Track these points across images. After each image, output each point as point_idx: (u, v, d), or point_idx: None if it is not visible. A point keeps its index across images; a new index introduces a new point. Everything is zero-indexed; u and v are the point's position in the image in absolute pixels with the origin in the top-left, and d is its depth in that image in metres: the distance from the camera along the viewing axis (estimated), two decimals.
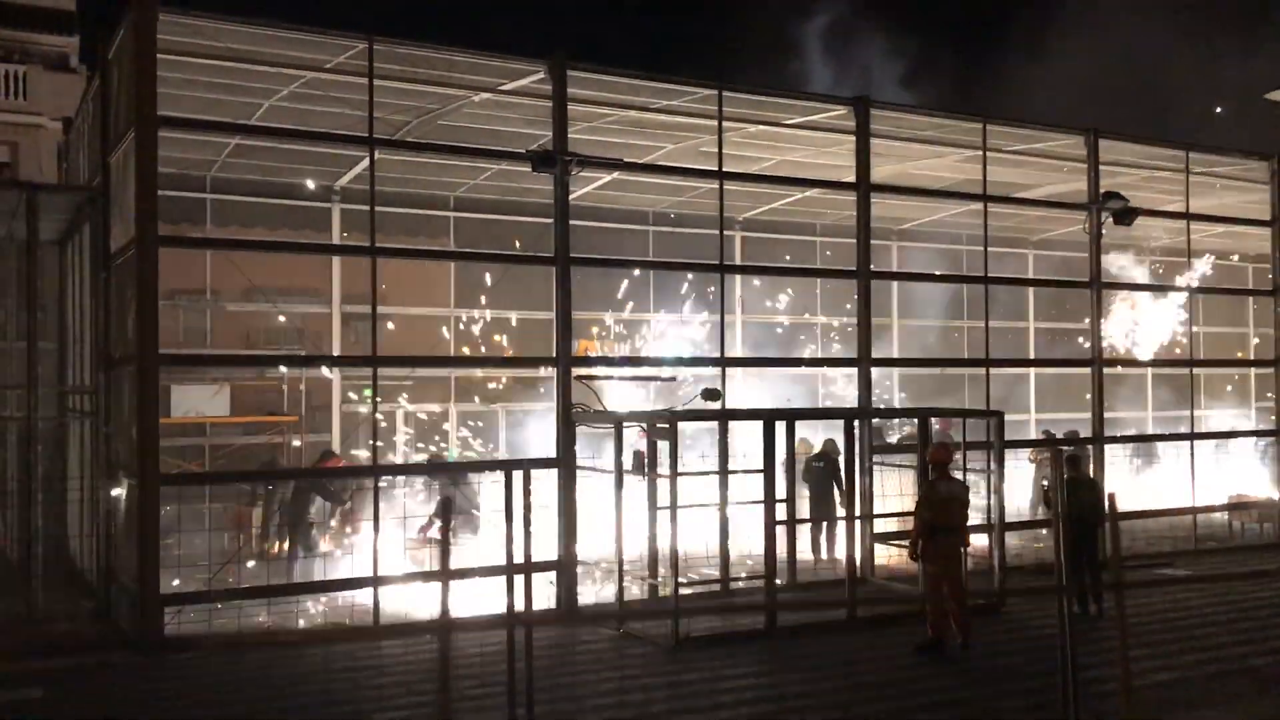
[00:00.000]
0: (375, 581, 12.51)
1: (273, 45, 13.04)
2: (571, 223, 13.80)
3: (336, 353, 18.75)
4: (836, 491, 15.78)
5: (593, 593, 13.64)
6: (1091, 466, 16.07)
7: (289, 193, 18.69)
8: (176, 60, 12.93)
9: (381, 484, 13.28)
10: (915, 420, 14.95)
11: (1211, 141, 18.67)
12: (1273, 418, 19.82)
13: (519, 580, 8.46)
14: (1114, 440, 17.34)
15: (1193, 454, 18.16)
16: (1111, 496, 8.04)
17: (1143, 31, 33.37)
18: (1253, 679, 10.51)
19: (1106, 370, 17.48)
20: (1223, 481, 19.37)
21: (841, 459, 15.80)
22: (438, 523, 14.31)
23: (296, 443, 17.81)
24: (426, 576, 13.45)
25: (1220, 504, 18.70)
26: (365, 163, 14.72)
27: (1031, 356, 22.49)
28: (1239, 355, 24.45)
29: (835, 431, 15.40)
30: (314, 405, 18.72)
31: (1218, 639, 12.05)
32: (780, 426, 12.78)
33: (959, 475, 12.64)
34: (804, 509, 15.56)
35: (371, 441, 13.54)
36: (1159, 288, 20.86)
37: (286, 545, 14.70)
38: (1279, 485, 18.75)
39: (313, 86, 14.32)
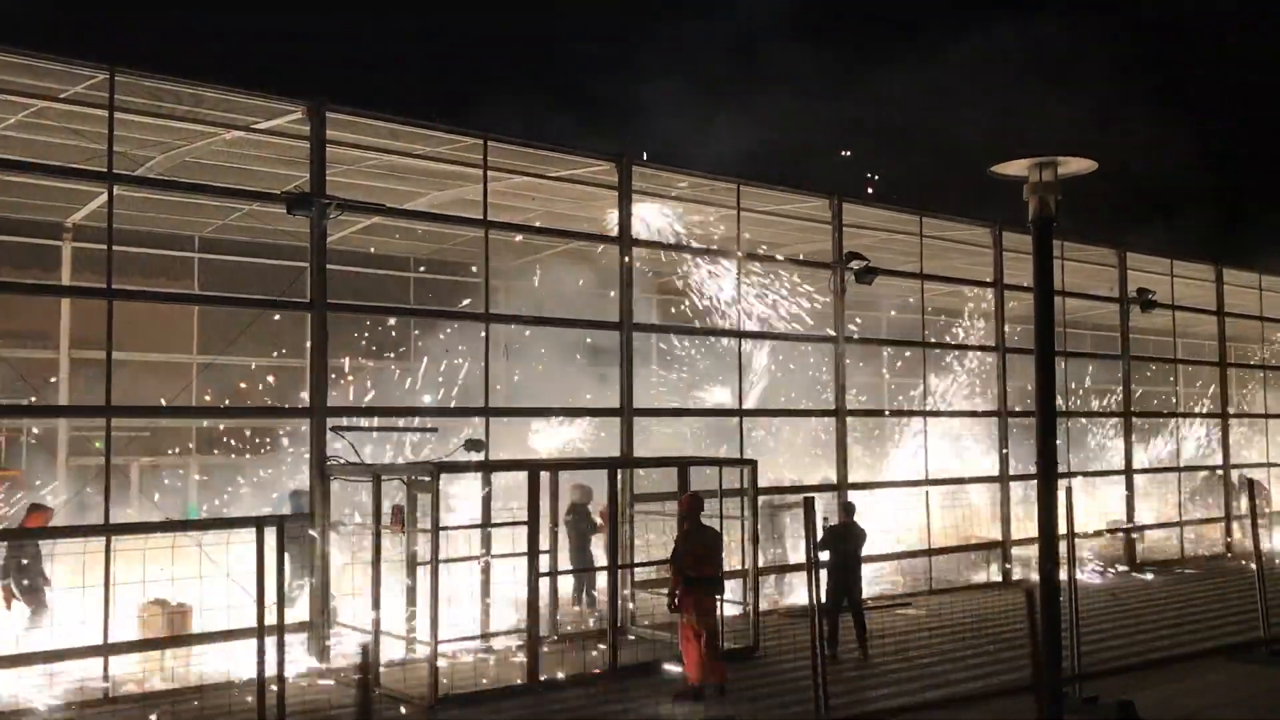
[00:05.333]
0: (106, 650, 11.58)
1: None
2: (328, 267, 13.37)
3: (64, 401, 17.40)
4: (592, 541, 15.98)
5: (350, 653, 13.08)
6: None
7: (13, 228, 17.28)
8: None
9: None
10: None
11: (945, 209, 20.08)
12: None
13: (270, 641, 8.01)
14: (856, 486, 18.20)
15: (928, 499, 19.33)
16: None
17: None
18: (980, 708, 11.21)
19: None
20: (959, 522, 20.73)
21: (593, 506, 15.98)
22: None
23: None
24: (164, 643, 12.53)
25: (953, 545, 19.97)
26: (102, 199, 13.79)
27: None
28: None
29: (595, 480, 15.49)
30: (37, 457, 17.26)
31: (950, 675, 12.80)
32: (545, 477, 12.71)
33: (711, 524, 12.92)
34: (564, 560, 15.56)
35: (104, 498, 12.52)
36: (896, 343, 22.20)
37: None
38: (1004, 526, 20.16)
39: (45, 116, 13.33)
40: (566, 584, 15.89)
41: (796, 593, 17.29)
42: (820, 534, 14.36)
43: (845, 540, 13.97)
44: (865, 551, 14.55)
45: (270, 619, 8.92)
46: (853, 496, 16.36)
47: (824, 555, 13.80)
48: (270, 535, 9.15)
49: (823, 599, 12.62)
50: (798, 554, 17.76)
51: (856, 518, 14.48)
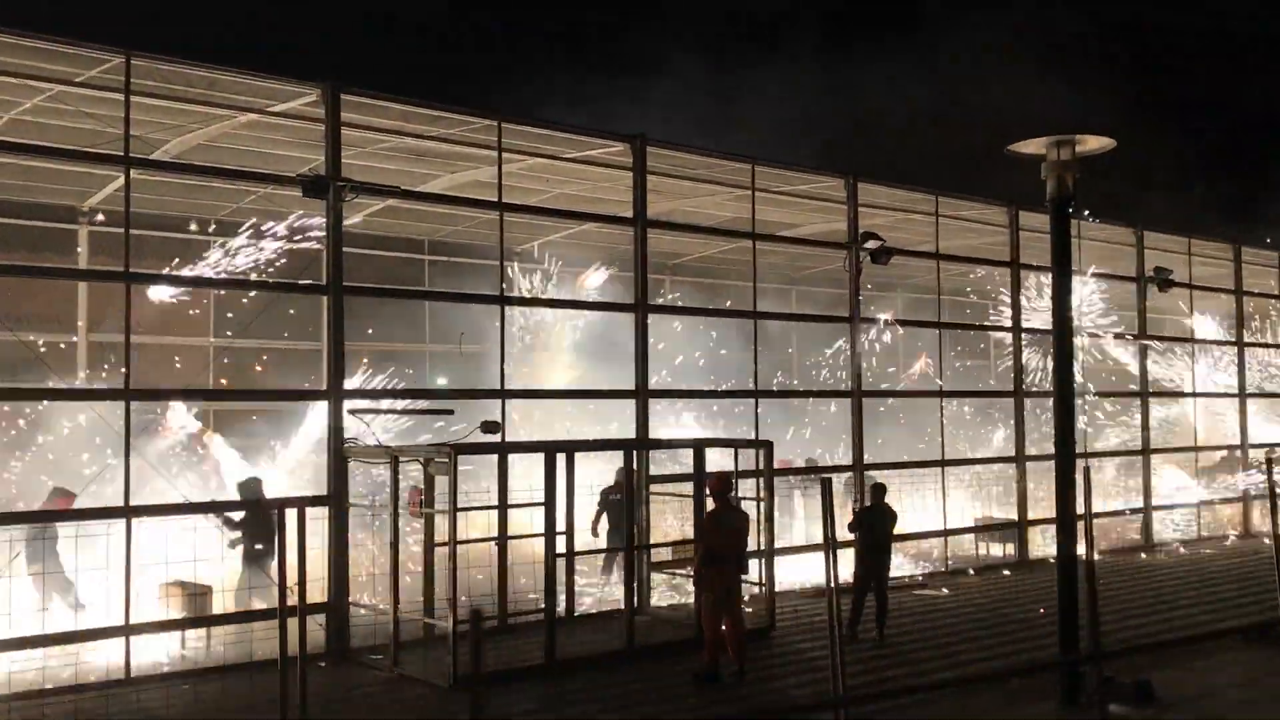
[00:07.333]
0: (127, 631, 11.68)
1: (15, 54, 12.07)
2: (344, 250, 13.38)
3: (83, 385, 17.48)
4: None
5: (367, 634, 13.16)
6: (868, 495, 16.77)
7: (29, 212, 17.35)
8: None
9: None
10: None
11: (961, 188, 19.94)
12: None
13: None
14: (872, 467, 18.18)
15: (943, 479, 19.30)
16: None
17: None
18: (998, 688, 11.23)
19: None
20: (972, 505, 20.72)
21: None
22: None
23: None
24: (183, 624, 12.62)
25: (968, 526, 19.96)
26: (118, 183, 13.83)
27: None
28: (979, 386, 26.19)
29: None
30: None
31: (966, 655, 12.82)
32: (561, 459, 12.73)
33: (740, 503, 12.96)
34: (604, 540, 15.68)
35: (124, 481, 12.59)
36: (912, 323, 22.09)
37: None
38: (1020, 506, 20.13)
39: (61, 100, 13.35)
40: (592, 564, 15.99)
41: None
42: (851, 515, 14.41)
43: (876, 521, 13.92)
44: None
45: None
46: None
47: (853, 536, 13.82)
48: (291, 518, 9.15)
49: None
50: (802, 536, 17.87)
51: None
